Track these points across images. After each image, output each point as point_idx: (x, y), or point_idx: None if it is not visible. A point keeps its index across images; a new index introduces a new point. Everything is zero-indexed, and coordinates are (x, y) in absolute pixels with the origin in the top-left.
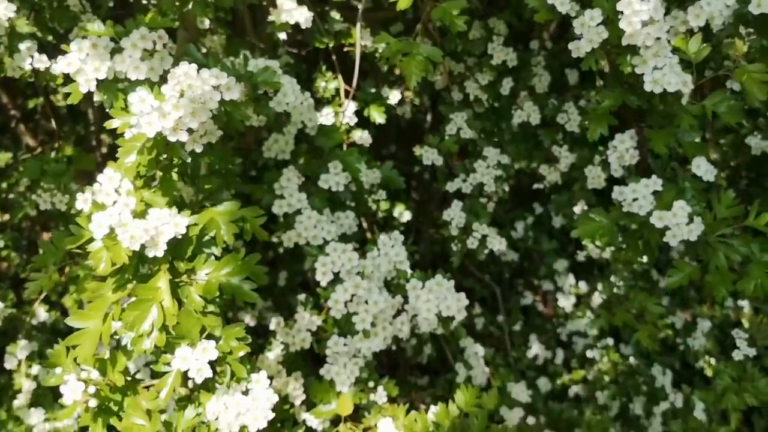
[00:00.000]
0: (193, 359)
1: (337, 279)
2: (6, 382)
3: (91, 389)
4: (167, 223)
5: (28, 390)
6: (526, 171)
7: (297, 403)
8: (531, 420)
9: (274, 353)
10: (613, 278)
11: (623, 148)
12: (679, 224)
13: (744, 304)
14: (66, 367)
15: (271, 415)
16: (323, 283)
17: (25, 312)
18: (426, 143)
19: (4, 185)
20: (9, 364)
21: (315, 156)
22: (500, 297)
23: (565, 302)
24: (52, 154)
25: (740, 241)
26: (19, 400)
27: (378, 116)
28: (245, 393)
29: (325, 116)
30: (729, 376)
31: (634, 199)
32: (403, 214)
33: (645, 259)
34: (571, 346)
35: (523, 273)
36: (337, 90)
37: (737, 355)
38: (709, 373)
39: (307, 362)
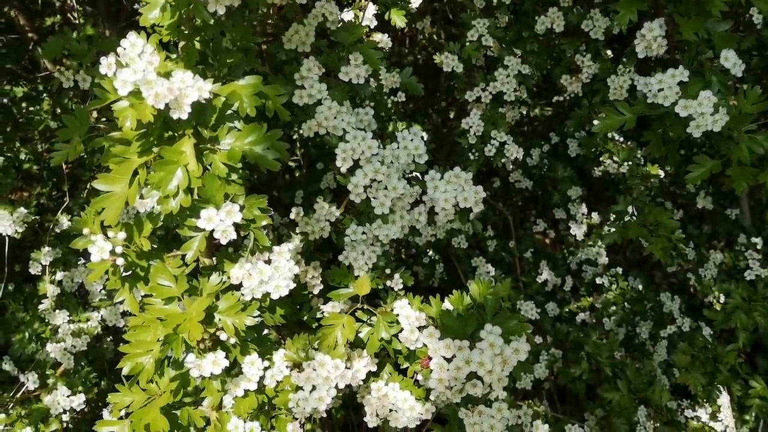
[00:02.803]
0: (218, 220)
1: (357, 167)
2: (31, 290)
3: (118, 249)
4: (191, 86)
5: (52, 294)
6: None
7: (315, 291)
8: (538, 339)
9: (293, 244)
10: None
11: (651, 37)
12: (704, 114)
13: (757, 241)
14: (93, 230)
15: (293, 285)
16: (343, 170)
17: (49, 220)
18: (446, 50)
19: (24, 104)
20: (33, 269)
21: (335, 50)
22: (512, 224)
23: (577, 230)
24: (74, 34)
25: (765, 136)
26: (44, 305)
27: (399, 20)
28: (267, 263)
29: (346, 18)
30: (739, 296)
31: (660, 90)
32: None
33: (662, 173)
34: (580, 274)
35: (537, 202)
36: None
37: (749, 275)
38: (717, 308)
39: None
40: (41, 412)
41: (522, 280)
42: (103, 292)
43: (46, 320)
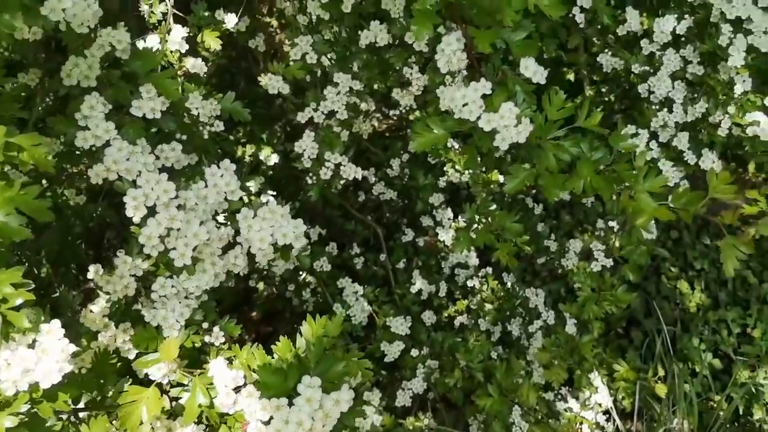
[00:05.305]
0: None
1: (153, 214)
2: None
3: None
4: None
5: None
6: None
7: (131, 356)
8: (415, 352)
9: (98, 306)
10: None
11: (450, 51)
12: (507, 126)
13: (613, 224)
14: None
15: (68, 368)
16: (136, 219)
17: None
18: (270, 70)
19: None
20: None
21: (128, 82)
22: (382, 236)
23: (445, 236)
24: None
25: (571, 142)
26: None
27: (213, 42)
28: (32, 346)
29: (150, 43)
30: (589, 287)
31: (465, 105)
32: (270, 157)
33: (502, 178)
34: (454, 278)
35: (405, 211)
36: (165, 14)
37: (595, 266)
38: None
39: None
40: None
41: (396, 293)
42: None
43: None
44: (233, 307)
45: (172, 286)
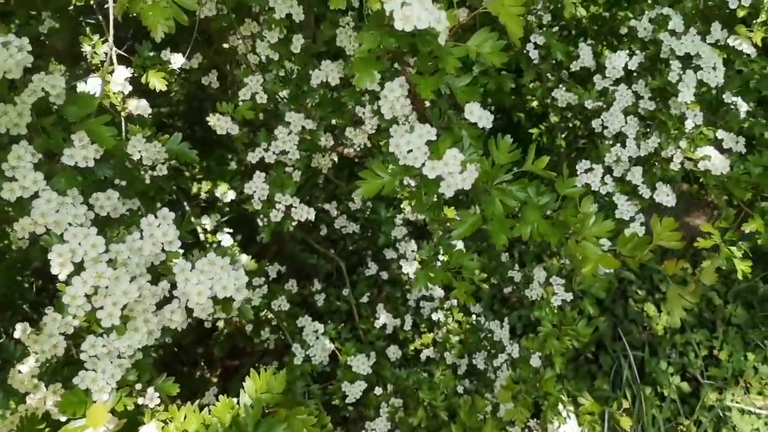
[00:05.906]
0: None
1: (81, 270)
2: None
3: None
4: None
5: None
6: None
7: (63, 419)
8: (378, 390)
9: (27, 365)
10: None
11: (393, 97)
12: (452, 173)
13: None
14: None
15: None
16: (62, 276)
17: None
18: (218, 110)
19: None
20: None
21: (63, 129)
22: (345, 270)
23: (409, 268)
24: None
25: (518, 186)
26: None
27: (158, 83)
28: None
29: (91, 86)
30: (550, 322)
31: (409, 151)
32: (227, 194)
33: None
34: (419, 311)
35: (368, 244)
36: (108, 55)
37: (556, 301)
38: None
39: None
40: None
41: (360, 328)
42: None
43: None
44: (197, 342)
45: (103, 346)
